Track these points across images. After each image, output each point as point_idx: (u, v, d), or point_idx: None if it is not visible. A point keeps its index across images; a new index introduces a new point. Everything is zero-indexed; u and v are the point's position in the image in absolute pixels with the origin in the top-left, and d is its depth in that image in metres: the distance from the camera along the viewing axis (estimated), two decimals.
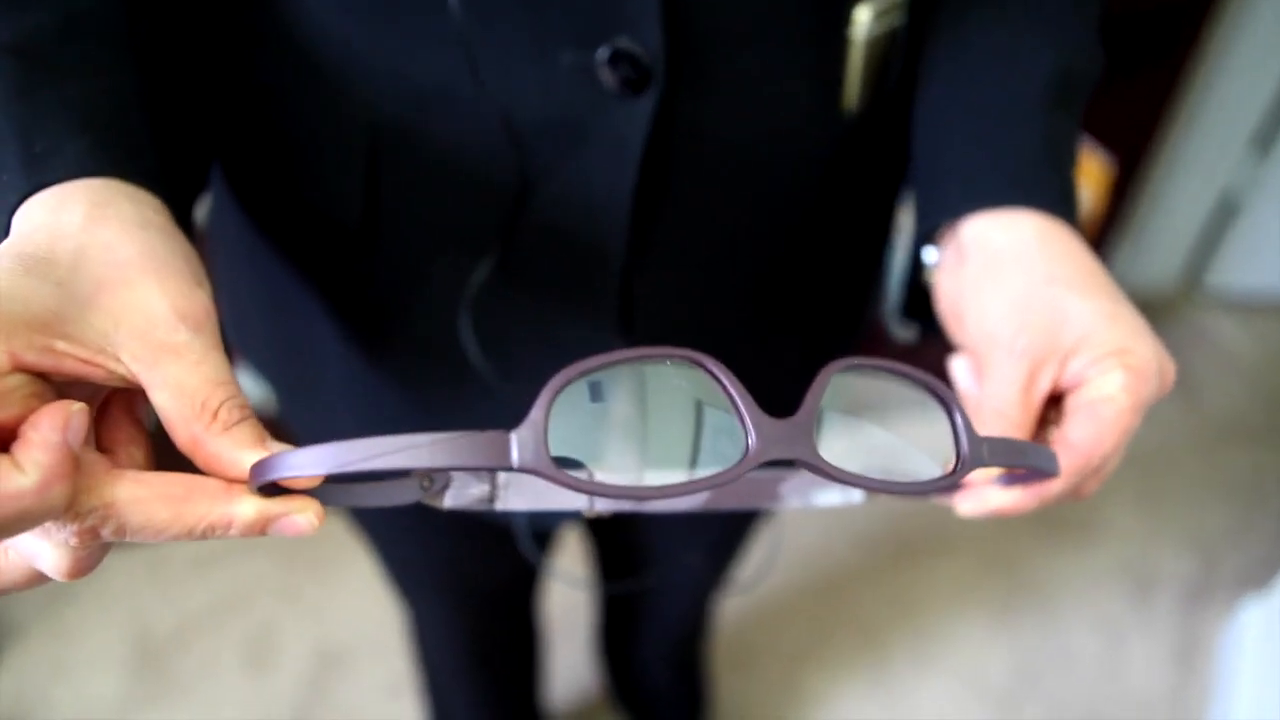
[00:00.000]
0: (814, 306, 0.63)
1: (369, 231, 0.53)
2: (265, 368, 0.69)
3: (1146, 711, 1.41)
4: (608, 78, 0.45)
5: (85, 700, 1.40)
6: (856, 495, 0.43)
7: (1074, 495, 0.46)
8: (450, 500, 0.34)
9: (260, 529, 0.32)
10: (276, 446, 0.33)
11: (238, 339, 0.70)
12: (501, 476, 0.35)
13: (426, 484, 0.34)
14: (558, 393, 0.29)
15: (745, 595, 1.43)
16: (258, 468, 0.31)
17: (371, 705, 1.39)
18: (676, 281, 0.55)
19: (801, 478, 0.39)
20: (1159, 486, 1.67)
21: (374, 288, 0.56)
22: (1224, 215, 1.93)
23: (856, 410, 0.33)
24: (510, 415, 0.58)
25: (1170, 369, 0.45)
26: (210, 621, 1.48)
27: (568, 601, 1.36)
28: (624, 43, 0.44)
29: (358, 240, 0.54)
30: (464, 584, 0.89)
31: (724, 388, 0.31)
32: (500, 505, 0.34)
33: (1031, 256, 0.46)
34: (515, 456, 0.27)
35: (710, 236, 0.54)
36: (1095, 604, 1.52)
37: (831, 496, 0.42)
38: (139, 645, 1.45)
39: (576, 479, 0.27)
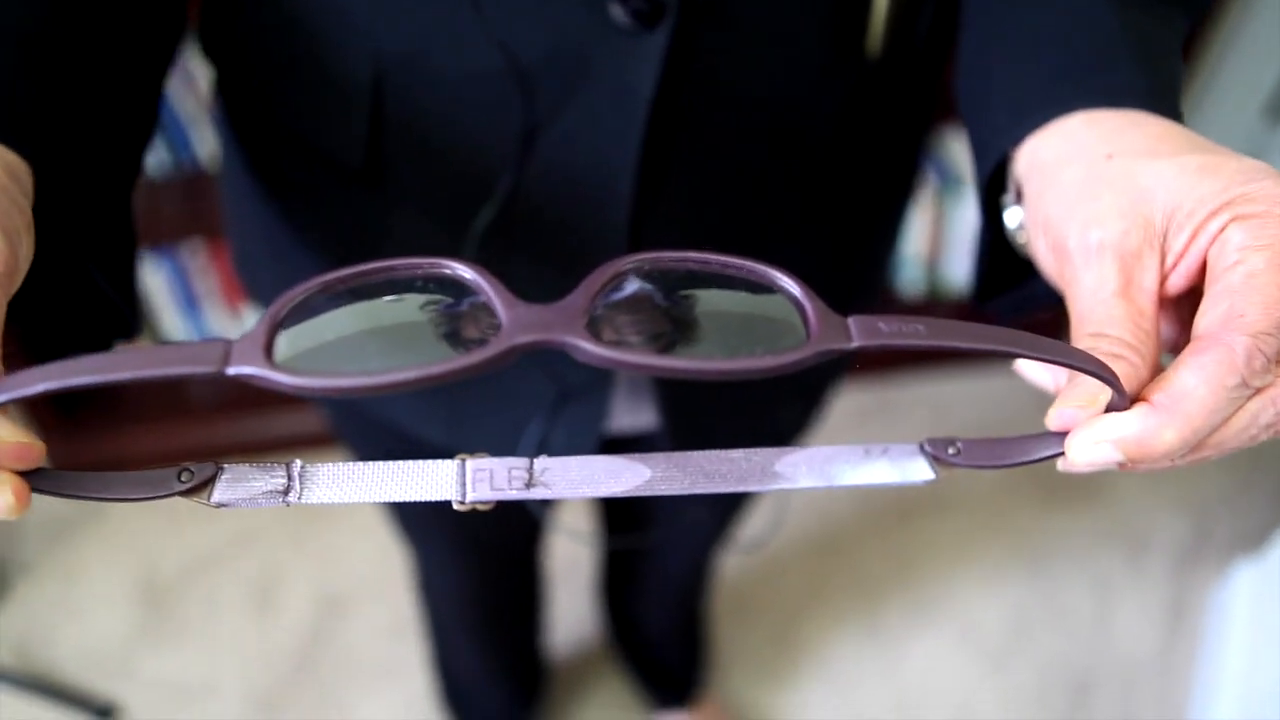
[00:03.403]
0: (828, 261, 0.63)
1: (372, 173, 0.53)
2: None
3: (1136, 669, 1.43)
4: (618, 12, 0.44)
5: (92, 638, 1.42)
6: (871, 471, 0.32)
7: (1240, 432, 0.31)
8: (221, 494, 0.31)
9: None
10: None
11: (247, 281, 0.70)
12: (296, 466, 0.31)
13: (186, 476, 0.30)
14: (290, 303, 0.27)
15: (750, 554, 1.45)
16: None
17: (374, 647, 1.42)
18: (685, 227, 0.54)
19: (802, 453, 0.32)
20: None
21: (377, 232, 0.56)
22: None
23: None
24: (514, 365, 0.58)
25: None
26: (215, 563, 1.50)
27: (570, 550, 1.38)
28: None
29: (361, 182, 0.53)
30: (467, 533, 0.90)
31: (470, 283, 0.27)
32: (298, 498, 0.31)
33: (1084, 143, 0.36)
34: (233, 362, 0.25)
35: (721, 182, 0.53)
36: (1089, 564, 1.54)
37: (849, 471, 0.33)
38: (145, 586, 1.47)
39: (306, 382, 0.24)
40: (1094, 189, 0.34)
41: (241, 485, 0.31)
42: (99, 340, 0.41)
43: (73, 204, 0.36)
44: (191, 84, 1.30)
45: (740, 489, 0.32)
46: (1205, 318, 0.31)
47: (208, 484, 0.31)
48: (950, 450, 0.32)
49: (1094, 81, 0.38)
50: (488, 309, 0.27)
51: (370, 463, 0.31)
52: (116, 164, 0.41)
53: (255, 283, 0.69)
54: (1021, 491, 1.61)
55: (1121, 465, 0.31)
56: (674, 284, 0.29)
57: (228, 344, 0.26)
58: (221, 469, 0.31)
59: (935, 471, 0.32)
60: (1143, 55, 0.38)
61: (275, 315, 0.27)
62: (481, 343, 0.26)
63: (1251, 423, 0.31)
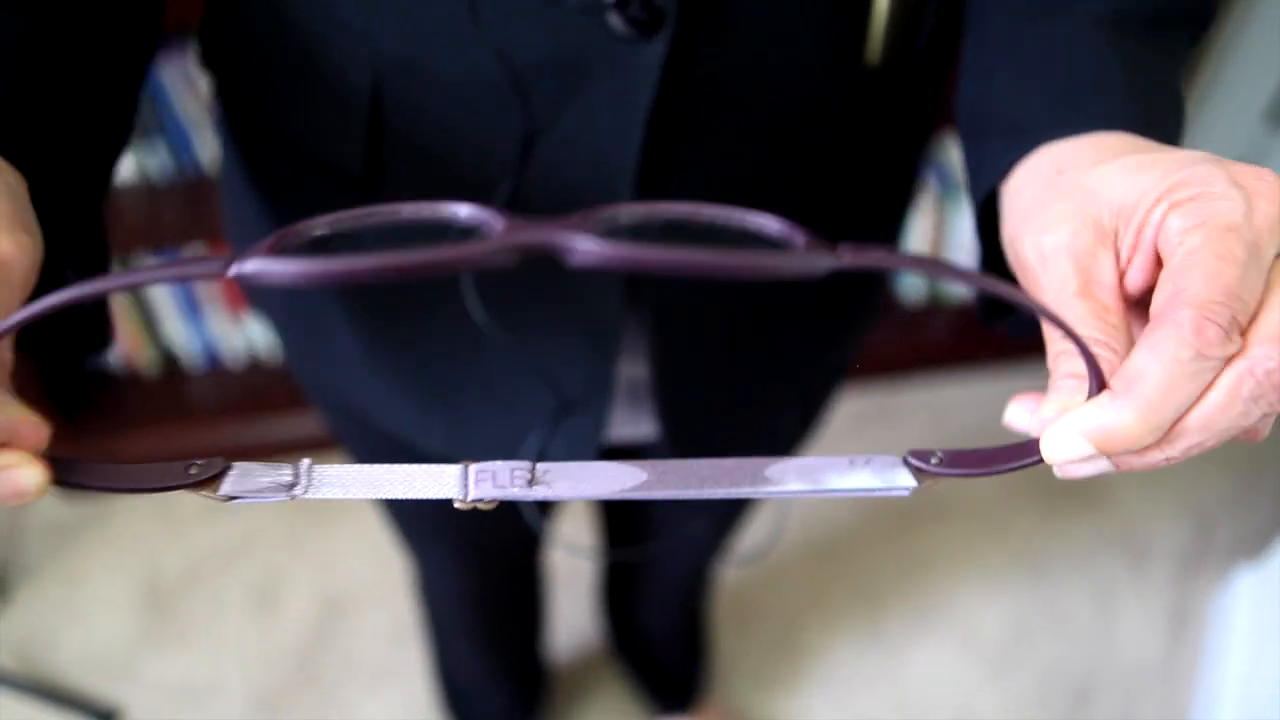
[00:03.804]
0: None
1: (371, 180, 0.53)
2: (273, 318, 0.69)
3: (1138, 675, 1.43)
4: (616, 21, 0.44)
5: (95, 641, 1.42)
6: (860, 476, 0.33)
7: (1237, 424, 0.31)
8: (230, 486, 0.31)
9: None
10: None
11: (247, 289, 0.70)
12: (304, 465, 0.32)
13: (195, 469, 0.31)
14: (296, 232, 0.28)
15: (750, 566, 1.45)
16: None
17: (375, 650, 1.42)
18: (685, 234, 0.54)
19: (791, 462, 0.33)
20: None
21: (374, 238, 0.56)
22: None
23: None
24: (516, 370, 0.58)
25: (1259, 175, 0.32)
26: (217, 567, 1.50)
27: (571, 552, 1.38)
28: None
29: (360, 188, 0.53)
30: (467, 541, 0.90)
31: (469, 217, 0.28)
32: (304, 493, 0.31)
33: (1037, 166, 0.37)
34: (236, 264, 0.25)
35: (721, 188, 0.53)
36: (1090, 570, 1.53)
37: (835, 478, 0.33)
38: (147, 589, 1.48)
39: (306, 267, 0.25)
40: (1044, 201, 0.36)
41: (249, 479, 0.31)
42: (73, 351, 0.41)
43: (50, 214, 0.36)
44: (193, 88, 1.31)
45: (732, 494, 0.32)
46: (1154, 304, 0.31)
47: (217, 478, 0.31)
48: (932, 460, 0.33)
49: (1086, 109, 0.38)
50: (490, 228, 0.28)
51: (376, 465, 0.32)
52: (91, 174, 0.41)
53: (257, 293, 0.69)
54: (1022, 498, 1.61)
55: (1114, 463, 0.31)
56: (665, 233, 0.29)
57: (234, 254, 0.26)
58: (230, 465, 0.32)
59: (917, 480, 0.32)
60: (1136, 83, 0.39)
61: (282, 235, 0.27)
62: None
63: (1232, 398, 0.30)
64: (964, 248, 1.62)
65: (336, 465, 0.32)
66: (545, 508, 0.84)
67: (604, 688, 1.39)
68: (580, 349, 0.57)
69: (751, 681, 1.42)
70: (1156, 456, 0.31)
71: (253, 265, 0.25)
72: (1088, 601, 1.50)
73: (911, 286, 1.67)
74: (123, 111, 0.44)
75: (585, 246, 0.26)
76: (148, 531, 1.54)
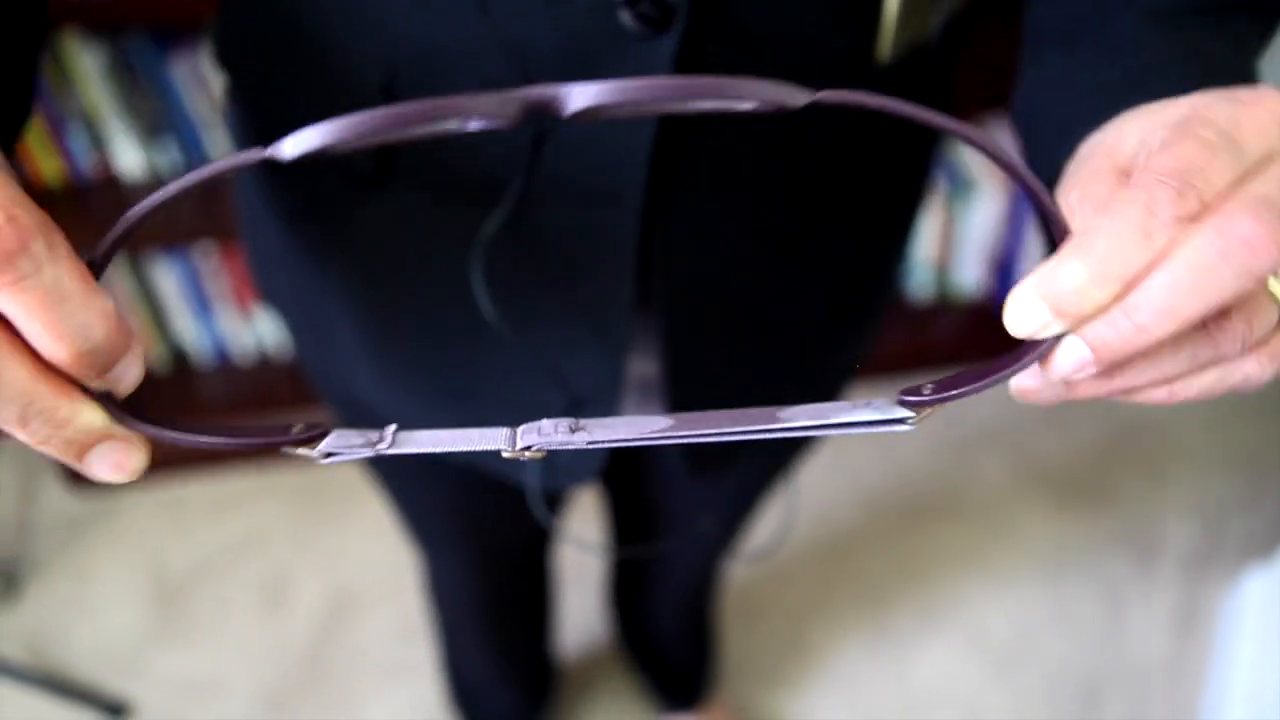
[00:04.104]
0: (839, 264, 0.63)
1: (382, 177, 0.53)
2: (284, 313, 0.70)
3: (1145, 676, 1.43)
4: (626, 17, 0.44)
5: (104, 635, 1.43)
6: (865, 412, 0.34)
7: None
8: (329, 444, 0.34)
9: (83, 449, 0.31)
10: None
11: (260, 283, 0.71)
12: (391, 429, 0.34)
13: (297, 429, 0.34)
14: (341, 129, 0.30)
15: (758, 562, 1.45)
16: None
17: (384, 647, 1.42)
18: (695, 231, 0.54)
19: (800, 407, 0.34)
20: (1166, 456, 1.67)
21: (385, 237, 0.56)
22: None
23: None
24: (525, 367, 0.59)
25: (1258, 91, 0.31)
26: (226, 563, 1.50)
27: (580, 550, 1.38)
28: None
29: (370, 186, 0.54)
30: (476, 537, 0.90)
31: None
32: (388, 448, 0.34)
33: (1081, 149, 0.37)
34: (278, 149, 0.29)
35: (732, 187, 0.53)
36: (1098, 570, 1.53)
37: (839, 415, 0.34)
38: (156, 584, 1.48)
39: (340, 124, 0.28)
40: (1074, 168, 0.36)
41: (344, 439, 0.34)
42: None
43: None
44: (204, 87, 1.31)
45: (748, 434, 0.34)
46: None
47: (318, 438, 0.34)
48: (925, 391, 0.34)
49: (1138, 99, 0.37)
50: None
51: (440, 430, 0.35)
52: None
53: (269, 285, 0.69)
54: (1031, 496, 1.61)
55: (1092, 350, 0.30)
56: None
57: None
58: (329, 428, 0.34)
59: (913, 410, 0.34)
60: (1193, 70, 0.38)
61: (327, 128, 0.29)
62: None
63: (1197, 254, 0.29)
64: (973, 246, 1.62)
65: (414, 431, 0.34)
66: (554, 505, 0.84)
67: (612, 685, 1.39)
68: (590, 346, 0.57)
69: (758, 680, 1.42)
70: (1124, 325, 0.30)
71: (295, 145, 0.29)
72: (1096, 601, 1.50)
73: (921, 285, 1.67)
74: (14, 97, 0.43)
75: (588, 90, 0.28)
76: (156, 527, 1.55)
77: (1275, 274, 0.30)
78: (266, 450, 0.34)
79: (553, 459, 0.62)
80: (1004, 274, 1.65)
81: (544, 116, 0.30)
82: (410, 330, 0.60)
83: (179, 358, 1.60)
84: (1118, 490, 1.62)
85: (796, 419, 0.34)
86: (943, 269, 1.66)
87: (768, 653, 1.44)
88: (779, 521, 1.29)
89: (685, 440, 0.34)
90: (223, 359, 1.61)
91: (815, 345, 0.67)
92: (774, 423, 0.34)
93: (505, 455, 0.34)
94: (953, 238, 1.61)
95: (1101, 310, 0.30)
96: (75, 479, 1.55)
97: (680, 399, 0.61)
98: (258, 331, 1.58)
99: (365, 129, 0.28)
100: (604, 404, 0.59)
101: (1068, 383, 0.33)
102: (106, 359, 0.30)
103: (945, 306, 1.68)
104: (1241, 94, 0.32)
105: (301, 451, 0.34)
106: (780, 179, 0.54)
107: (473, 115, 0.29)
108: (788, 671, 1.42)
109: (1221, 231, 0.28)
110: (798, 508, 1.43)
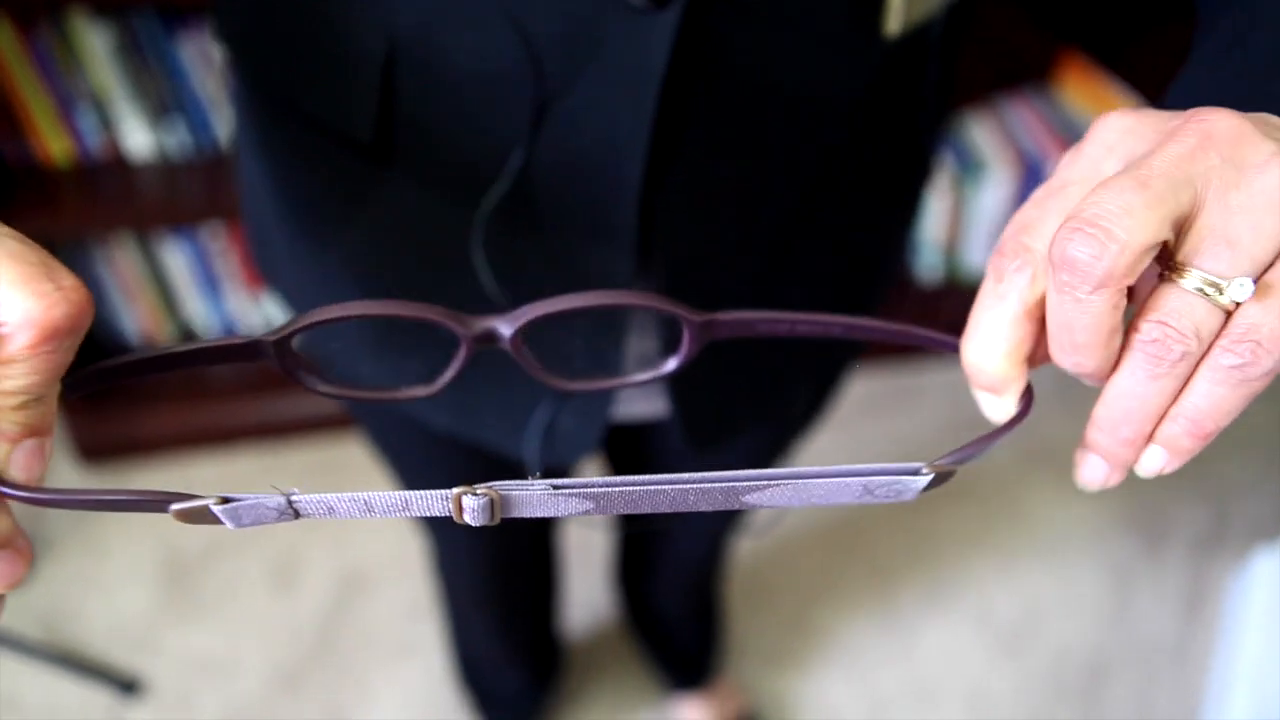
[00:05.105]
0: (844, 245, 0.62)
1: (383, 150, 0.53)
2: (286, 293, 0.70)
3: (1152, 656, 1.43)
4: None
5: (117, 614, 1.44)
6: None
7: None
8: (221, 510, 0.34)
9: None
10: None
11: (261, 265, 0.71)
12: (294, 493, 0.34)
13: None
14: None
15: (761, 538, 1.45)
16: None
17: (392, 626, 1.43)
18: (697, 208, 0.54)
19: (775, 489, 0.33)
20: None
21: (385, 213, 0.56)
22: None
23: None
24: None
25: (1192, 114, 0.30)
26: (237, 541, 1.51)
27: (586, 532, 1.39)
28: None
29: (371, 159, 0.54)
30: None
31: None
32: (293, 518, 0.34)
33: None
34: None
35: (734, 163, 0.53)
36: (1105, 552, 1.53)
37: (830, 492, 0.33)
38: (168, 564, 1.49)
39: None
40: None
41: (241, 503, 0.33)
42: None
43: None
44: (212, 67, 1.31)
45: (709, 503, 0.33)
46: None
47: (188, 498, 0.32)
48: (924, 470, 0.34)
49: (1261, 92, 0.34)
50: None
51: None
52: None
53: (270, 264, 0.69)
54: (1039, 477, 1.61)
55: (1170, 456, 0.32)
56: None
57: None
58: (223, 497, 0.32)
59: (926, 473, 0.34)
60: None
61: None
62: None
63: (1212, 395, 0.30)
64: (982, 228, 1.61)
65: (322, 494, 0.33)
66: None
67: (619, 664, 1.40)
68: (589, 323, 0.57)
69: (765, 660, 1.42)
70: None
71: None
72: (1102, 582, 1.50)
73: (929, 267, 1.66)
74: None
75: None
76: None
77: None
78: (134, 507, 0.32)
79: (553, 430, 0.62)
80: None
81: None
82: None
83: (188, 338, 1.61)
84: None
85: (777, 499, 0.33)
86: (951, 250, 1.65)
87: (774, 633, 1.44)
88: None
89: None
90: None
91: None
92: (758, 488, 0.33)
93: (447, 510, 0.33)
94: (962, 219, 1.61)
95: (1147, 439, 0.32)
96: (89, 457, 1.57)
97: (680, 376, 0.61)
98: (266, 312, 1.59)
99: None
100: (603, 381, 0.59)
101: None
102: None
103: (954, 288, 1.68)
104: (1192, 113, 0.30)
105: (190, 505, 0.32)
106: (783, 154, 0.54)
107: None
108: (794, 651, 1.43)
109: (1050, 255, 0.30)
110: None
